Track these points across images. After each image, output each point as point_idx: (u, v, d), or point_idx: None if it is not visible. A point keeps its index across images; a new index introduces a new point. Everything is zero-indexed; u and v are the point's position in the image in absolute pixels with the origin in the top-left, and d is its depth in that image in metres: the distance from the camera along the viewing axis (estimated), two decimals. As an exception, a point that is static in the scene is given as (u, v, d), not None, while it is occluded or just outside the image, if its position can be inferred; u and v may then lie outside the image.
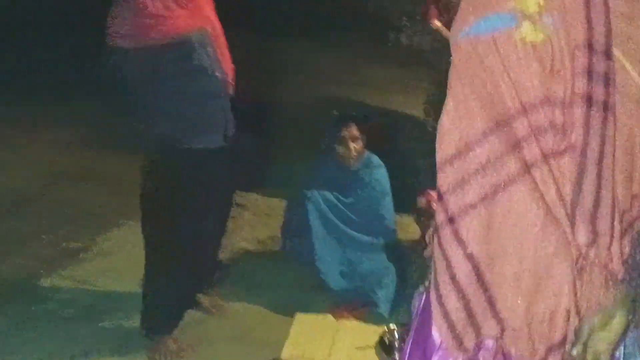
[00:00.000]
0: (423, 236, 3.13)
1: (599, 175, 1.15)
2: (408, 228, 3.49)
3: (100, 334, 2.85)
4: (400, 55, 5.13)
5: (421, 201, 3.05)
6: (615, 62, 1.16)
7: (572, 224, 1.15)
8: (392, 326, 2.76)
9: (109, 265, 3.38)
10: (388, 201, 3.09)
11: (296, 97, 5.73)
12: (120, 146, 4.27)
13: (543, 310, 1.16)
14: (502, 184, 1.12)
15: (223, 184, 2.77)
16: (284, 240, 3.33)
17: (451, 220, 1.16)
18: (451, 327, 1.19)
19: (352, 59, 6.78)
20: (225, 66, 2.56)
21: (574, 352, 1.18)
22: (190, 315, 2.95)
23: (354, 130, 2.99)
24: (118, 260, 3.42)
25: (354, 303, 2.93)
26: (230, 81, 2.61)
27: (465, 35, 1.16)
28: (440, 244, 1.18)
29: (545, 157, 1.14)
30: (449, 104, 1.17)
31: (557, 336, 1.17)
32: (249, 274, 3.38)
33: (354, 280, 2.96)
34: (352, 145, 2.98)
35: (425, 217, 3.02)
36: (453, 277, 1.17)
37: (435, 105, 3.51)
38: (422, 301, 1.34)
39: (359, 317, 2.89)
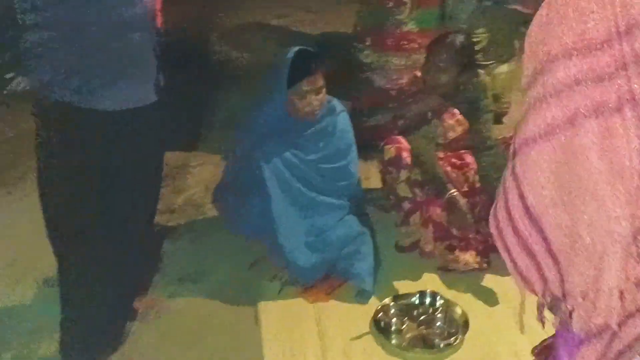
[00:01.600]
0: (386, 190, 2.64)
1: None
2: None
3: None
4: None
5: (389, 150, 2.53)
6: None
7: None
8: (387, 301, 2.30)
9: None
10: (354, 153, 2.52)
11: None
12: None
13: (583, 284, 0.95)
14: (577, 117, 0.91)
15: (152, 150, 2.07)
16: (222, 210, 2.68)
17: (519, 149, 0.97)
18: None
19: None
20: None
21: None
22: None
23: (319, 81, 2.31)
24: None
25: (330, 280, 2.41)
26: (159, 8, 1.86)
27: None
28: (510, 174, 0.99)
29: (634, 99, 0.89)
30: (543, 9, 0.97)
31: (599, 320, 0.96)
32: (179, 255, 2.70)
33: (325, 252, 2.40)
34: (316, 99, 2.32)
35: (394, 168, 2.52)
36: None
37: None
38: None
39: (337, 296, 2.37)
